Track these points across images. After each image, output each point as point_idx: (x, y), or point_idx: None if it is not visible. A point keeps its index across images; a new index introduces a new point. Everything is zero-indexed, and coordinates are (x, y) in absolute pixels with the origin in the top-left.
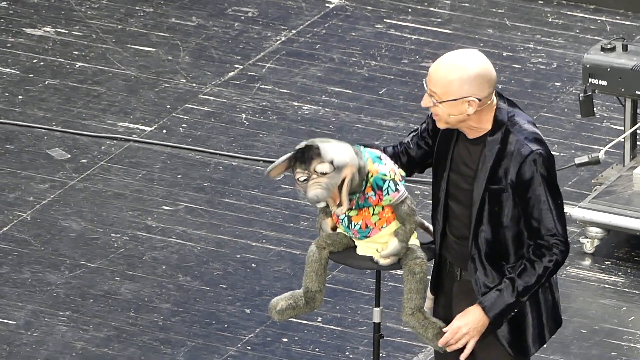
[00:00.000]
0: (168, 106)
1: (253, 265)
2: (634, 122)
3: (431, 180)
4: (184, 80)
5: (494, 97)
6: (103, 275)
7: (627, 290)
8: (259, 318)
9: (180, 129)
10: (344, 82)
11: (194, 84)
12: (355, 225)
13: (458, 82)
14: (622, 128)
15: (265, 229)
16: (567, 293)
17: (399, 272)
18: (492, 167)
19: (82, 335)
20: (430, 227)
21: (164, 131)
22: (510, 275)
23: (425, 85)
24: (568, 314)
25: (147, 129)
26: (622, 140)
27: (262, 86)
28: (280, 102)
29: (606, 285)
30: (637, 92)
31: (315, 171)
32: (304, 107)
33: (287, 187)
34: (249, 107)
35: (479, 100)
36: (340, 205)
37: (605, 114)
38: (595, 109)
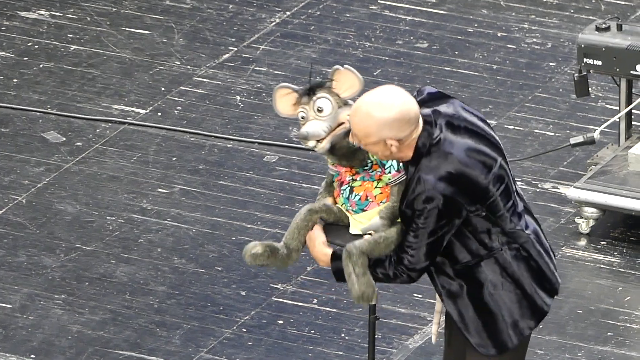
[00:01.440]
0: (163, 89)
1: None
2: (629, 102)
3: None
4: (179, 63)
5: (419, 126)
6: (98, 258)
7: (622, 270)
8: (254, 300)
9: (175, 111)
10: (338, 63)
11: (189, 67)
12: (355, 196)
13: (375, 127)
14: (617, 108)
15: (261, 211)
16: (563, 273)
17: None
18: (403, 193)
19: (78, 319)
20: None
21: (159, 114)
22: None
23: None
24: (564, 294)
25: (142, 111)
26: (617, 120)
27: (257, 68)
28: (275, 84)
29: (602, 266)
30: (632, 72)
31: (314, 109)
32: None
33: (282, 169)
34: (243, 89)
35: (399, 140)
36: (321, 143)
37: (600, 94)
38: (590, 89)
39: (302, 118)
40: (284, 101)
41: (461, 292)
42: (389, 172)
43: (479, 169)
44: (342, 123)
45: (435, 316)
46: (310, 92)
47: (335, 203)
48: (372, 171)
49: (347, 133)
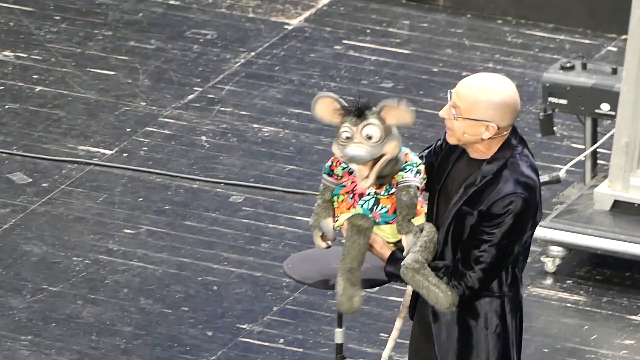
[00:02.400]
0: (128, 129)
1: (214, 287)
2: (594, 141)
3: None
4: (144, 103)
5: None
6: (65, 299)
7: (588, 309)
8: (221, 340)
9: (141, 152)
10: (303, 103)
11: (154, 107)
12: (381, 208)
13: (485, 104)
14: (583, 147)
15: (227, 251)
16: (529, 312)
17: (362, 293)
18: (474, 192)
19: None
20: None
21: (125, 154)
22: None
23: (449, 96)
24: (530, 333)
25: (108, 152)
26: (583, 158)
27: (222, 108)
28: (240, 124)
29: (568, 304)
30: (597, 111)
31: (361, 133)
32: (264, 129)
33: (248, 209)
34: (209, 129)
35: (498, 128)
36: (367, 178)
37: (565, 133)
38: (555, 128)
39: (347, 138)
40: (325, 106)
41: (455, 317)
42: (404, 171)
43: (539, 189)
44: (384, 154)
45: (393, 333)
46: (359, 113)
47: (335, 217)
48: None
49: (389, 162)
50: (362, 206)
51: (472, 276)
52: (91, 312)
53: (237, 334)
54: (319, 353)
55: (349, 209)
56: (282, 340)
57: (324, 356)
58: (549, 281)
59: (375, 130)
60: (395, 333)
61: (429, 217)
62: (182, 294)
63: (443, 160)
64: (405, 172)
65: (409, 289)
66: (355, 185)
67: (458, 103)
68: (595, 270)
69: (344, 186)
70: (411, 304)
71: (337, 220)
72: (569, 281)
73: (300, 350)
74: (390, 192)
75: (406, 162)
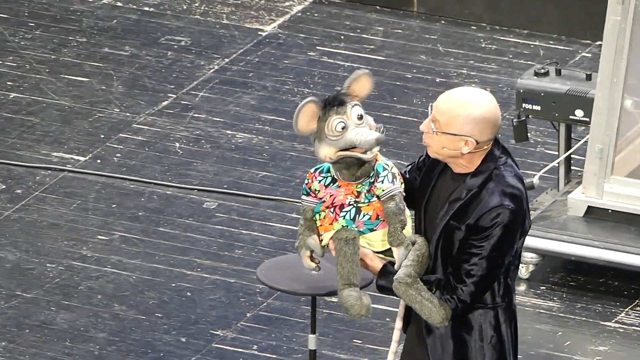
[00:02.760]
0: (102, 136)
1: (188, 293)
2: (568, 147)
3: None
4: (118, 110)
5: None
6: (39, 305)
7: (562, 315)
8: (194, 347)
9: (115, 158)
10: (277, 110)
11: (128, 114)
12: (364, 216)
13: (464, 118)
14: (557, 153)
15: (200, 257)
16: None
17: (334, 299)
18: (460, 206)
19: None
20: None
21: (98, 161)
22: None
23: (430, 110)
24: None
25: (82, 158)
26: (557, 165)
27: (196, 115)
28: (214, 130)
29: (542, 311)
30: (571, 117)
31: (351, 117)
32: (237, 136)
33: (221, 215)
34: (182, 136)
35: (477, 142)
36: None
37: (539, 139)
38: (529, 134)
39: (343, 128)
40: (306, 115)
41: (449, 329)
42: (382, 183)
43: (526, 199)
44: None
45: (392, 345)
46: (339, 102)
47: (319, 236)
48: (372, 185)
49: (363, 162)
50: (344, 217)
51: (464, 290)
52: (65, 318)
53: (211, 340)
54: (292, 359)
55: (331, 223)
56: (255, 347)
57: None
58: (522, 287)
59: (360, 109)
60: (394, 346)
61: (417, 233)
62: (156, 300)
63: (426, 176)
64: (383, 184)
65: (402, 301)
66: (334, 198)
67: (437, 117)
68: (569, 277)
69: (324, 202)
70: (404, 317)
71: (322, 240)
72: (542, 287)
73: (274, 356)
74: (370, 200)
75: (376, 161)
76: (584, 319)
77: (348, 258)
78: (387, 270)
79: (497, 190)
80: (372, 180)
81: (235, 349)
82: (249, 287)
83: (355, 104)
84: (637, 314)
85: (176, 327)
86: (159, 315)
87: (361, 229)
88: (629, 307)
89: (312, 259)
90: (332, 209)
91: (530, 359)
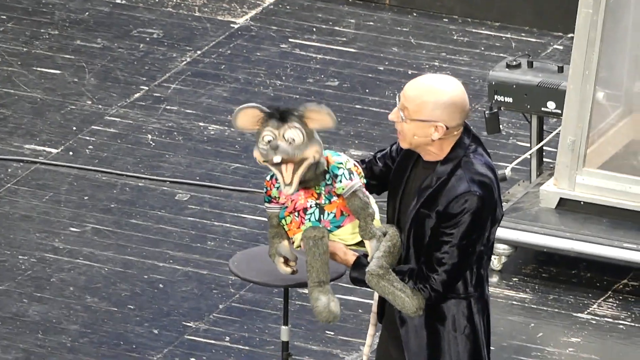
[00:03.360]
0: (74, 128)
1: (160, 285)
2: (540, 139)
3: None
4: (90, 102)
5: (461, 128)
6: (10, 297)
7: (534, 306)
8: (167, 338)
9: (87, 150)
10: (249, 102)
11: (100, 106)
12: (328, 215)
13: (432, 104)
14: (529, 145)
15: (172, 249)
16: None
17: (307, 290)
18: (430, 194)
19: None
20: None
21: (71, 153)
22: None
23: (398, 99)
24: None
25: (54, 150)
26: (529, 157)
27: (168, 107)
28: (186, 122)
29: (514, 302)
30: (543, 109)
31: (283, 137)
32: (209, 128)
33: (193, 207)
34: (155, 127)
35: (447, 128)
36: (289, 185)
37: (511, 131)
38: (501, 126)
39: (268, 142)
40: (247, 117)
41: (422, 320)
42: (340, 182)
43: (497, 187)
44: (306, 159)
45: (367, 339)
46: (281, 117)
47: (290, 239)
48: (330, 186)
49: (310, 167)
50: (309, 220)
51: (436, 278)
52: (37, 310)
53: (183, 332)
54: (265, 351)
55: (299, 227)
56: (228, 338)
57: (270, 354)
58: (494, 279)
59: (298, 133)
60: (369, 340)
61: (390, 223)
62: (128, 292)
63: (399, 167)
64: (341, 183)
65: (376, 296)
66: (296, 203)
67: (406, 105)
68: (541, 268)
69: (286, 207)
70: (378, 309)
71: (293, 242)
72: (515, 279)
73: (247, 348)
74: (331, 200)
75: (329, 164)
76: (556, 310)
77: (317, 257)
78: (360, 263)
79: (465, 177)
80: (330, 182)
81: (208, 341)
82: (222, 278)
83: (295, 127)
84: (609, 306)
85: (148, 319)
86: (131, 307)
87: (329, 228)
88: (601, 299)
89: (286, 264)
90: (296, 214)
91: (502, 351)
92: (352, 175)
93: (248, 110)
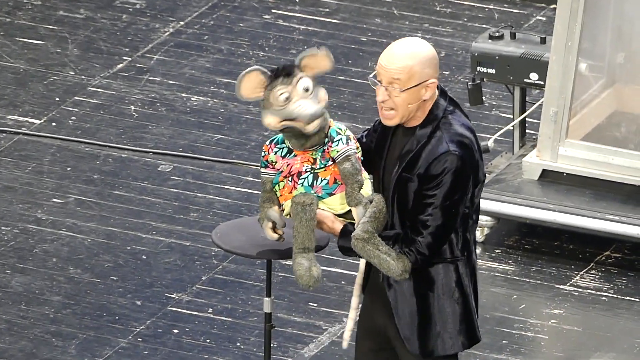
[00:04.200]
0: (57, 99)
1: (143, 257)
2: (522, 110)
3: None
4: (73, 73)
5: (435, 91)
6: None
7: (517, 278)
8: (149, 310)
9: (70, 121)
10: (232, 73)
11: (83, 77)
12: (321, 181)
13: (419, 66)
14: (512, 116)
15: (155, 220)
16: None
17: (289, 262)
18: (411, 158)
19: None
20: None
21: (53, 124)
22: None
23: (375, 82)
24: None
25: (37, 121)
26: (511, 128)
27: (151, 78)
28: (169, 93)
29: (496, 274)
30: (525, 80)
31: (297, 88)
32: (192, 99)
33: (176, 178)
34: (137, 99)
35: (433, 84)
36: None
37: (494, 102)
38: (484, 98)
39: (286, 99)
40: (250, 82)
41: (410, 285)
42: (336, 145)
43: (477, 149)
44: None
45: (350, 312)
46: (288, 72)
47: (280, 206)
48: (326, 149)
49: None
50: (302, 185)
51: (422, 241)
52: (20, 281)
53: (166, 303)
54: (247, 322)
55: (290, 192)
56: (210, 310)
57: (252, 325)
58: (477, 250)
59: (308, 81)
60: (352, 313)
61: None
62: (111, 264)
63: (380, 138)
64: (337, 145)
65: (361, 268)
66: (291, 167)
67: (395, 77)
68: (523, 240)
69: (282, 172)
70: (363, 282)
71: (283, 209)
72: (497, 250)
73: (229, 319)
74: (326, 165)
75: (329, 127)
76: (539, 282)
77: (304, 223)
78: (347, 230)
79: (444, 138)
80: (326, 145)
81: (191, 312)
82: (204, 250)
83: (303, 76)
84: (591, 277)
85: (131, 291)
86: (114, 278)
87: (320, 194)
88: (584, 270)
89: (274, 230)
90: (289, 178)
91: (485, 322)
92: (349, 141)
93: (251, 75)
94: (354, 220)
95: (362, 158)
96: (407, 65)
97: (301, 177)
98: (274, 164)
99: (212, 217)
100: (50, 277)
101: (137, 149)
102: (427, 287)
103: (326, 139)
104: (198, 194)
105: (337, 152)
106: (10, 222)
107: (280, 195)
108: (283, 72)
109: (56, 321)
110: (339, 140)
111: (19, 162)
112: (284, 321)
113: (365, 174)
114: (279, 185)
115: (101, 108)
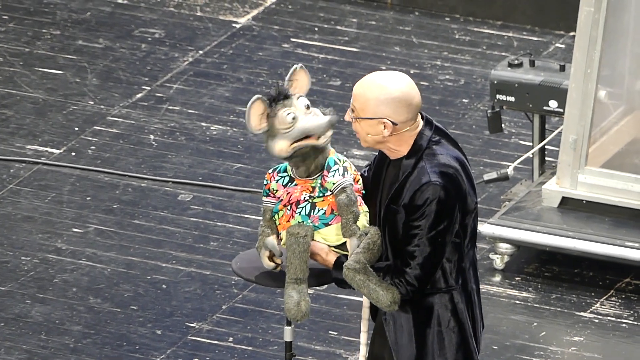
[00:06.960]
0: (76, 128)
1: (163, 286)
2: (542, 138)
3: None
4: (92, 102)
5: (419, 122)
6: (13, 298)
7: (537, 305)
8: (170, 339)
9: (89, 151)
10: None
11: (102, 106)
12: (318, 211)
13: (374, 101)
14: (531, 144)
15: (175, 249)
16: None
17: (310, 290)
18: (396, 188)
19: None
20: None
21: (73, 153)
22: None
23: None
24: None
25: (56, 151)
26: (531, 155)
27: (170, 107)
28: (189, 122)
29: (517, 301)
30: (545, 108)
31: (299, 107)
32: (212, 128)
33: (196, 207)
34: (157, 128)
35: (394, 124)
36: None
37: (513, 130)
38: (503, 125)
39: (293, 119)
40: (256, 113)
41: (406, 316)
42: (332, 176)
43: (464, 179)
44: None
45: (362, 337)
46: (284, 97)
47: (278, 235)
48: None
49: (317, 152)
50: (299, 214)
51: (410, 272)
52: (40, 311)
53: (187, 332)
54: (268, 351)
55: (288, 220)
56: (231, 339)
57: (273, 354)
58: (497, 278)
59: (305, 99)
60: (363, 336)
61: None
62: (131, 293)
63: (376, 171)
64: (333, 177)
65: (366, 303)
66: (291, 195)
67: (354, 104)
68: (543, 267)
69: (282, 200)
70: (371, 304)
71: (281, 239)
72: (517, 278)
73: (250, 348)
74: (324, 194)
75: (329, 156)
76: (559, 309)
77: (297, 255)
78: (341, 262)
79: (427, 168)
80: (323, 173)
81: (211, 341)
82: (225, 279)
83: (300, 96)
84: (611, 304)
85: (151, 320)
86: (134, 307)
87: (316, 224)
88: (604, 297)
89: (272, 259)
90: (288, 207)
91: (505, 350)
92: (346, 172)
93: (256, 104)
94: (348, 252)
95: (363, 192)
96: (363, 95)
97: (299, 206)
98: (275, 192)
99: (232, 246)
100: (70, 306)
101: (157, 178)
102: (423, 318)
103: (325, 165)
104: (218, 223)
105: (333, 184)
106: (30, 252)
107: (279, 224)
108: (281, 96)
109: (76, 351)
110: (335, 170)
111: (38, 192)
112: (305, 350)
113: (364, 207)
114: (278, 214)
115: (120, 137)
